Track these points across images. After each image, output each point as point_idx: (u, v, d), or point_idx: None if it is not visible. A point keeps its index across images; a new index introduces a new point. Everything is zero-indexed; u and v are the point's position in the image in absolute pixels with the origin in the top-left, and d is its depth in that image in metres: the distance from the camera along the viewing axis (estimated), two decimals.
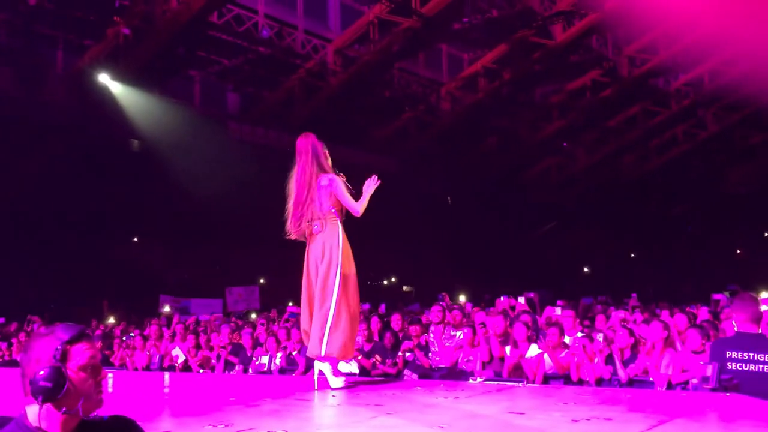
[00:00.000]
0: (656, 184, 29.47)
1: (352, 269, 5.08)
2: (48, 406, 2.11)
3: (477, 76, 22.08)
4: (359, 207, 5.06)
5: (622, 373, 6.15)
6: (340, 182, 5.07)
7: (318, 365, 5.10)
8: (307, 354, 5.19)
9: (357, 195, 5.15)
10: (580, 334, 6.79)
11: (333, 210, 5.06)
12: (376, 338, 7.82)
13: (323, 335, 4.93)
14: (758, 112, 25.16)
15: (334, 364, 5.07)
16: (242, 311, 16.21)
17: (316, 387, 5.26)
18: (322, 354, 4.95)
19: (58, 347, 2.12)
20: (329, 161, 5.19)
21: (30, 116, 16.02)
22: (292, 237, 5.16)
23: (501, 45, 21.03)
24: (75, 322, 2.23)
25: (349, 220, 5.25)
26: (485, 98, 22.19)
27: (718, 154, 28.85)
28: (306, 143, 5.17)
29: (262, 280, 21.87)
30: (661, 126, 26.48)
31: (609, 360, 6.33)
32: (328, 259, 4.99)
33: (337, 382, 5.04)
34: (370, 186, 5.12)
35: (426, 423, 3.56)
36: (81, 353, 2.14)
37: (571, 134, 26.38)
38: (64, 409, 2.11)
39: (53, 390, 2.08)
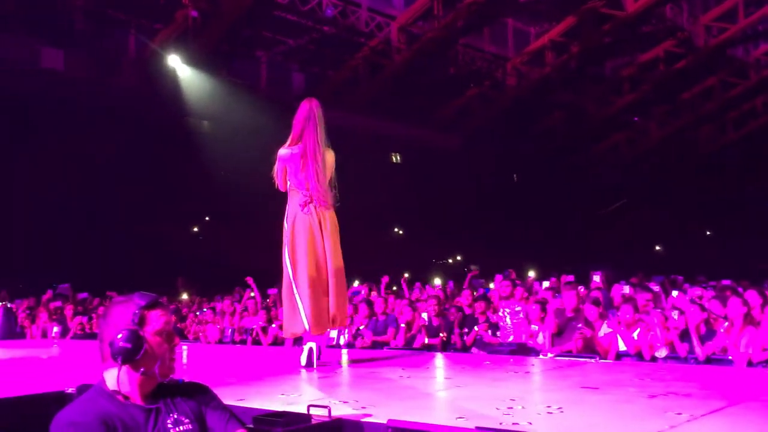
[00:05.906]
0: (733, 159, 28.30)
1: None
2: (127, 368, 2.21)
3: (544, 50, 21.57)
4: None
5: (699, 351, 5.94)
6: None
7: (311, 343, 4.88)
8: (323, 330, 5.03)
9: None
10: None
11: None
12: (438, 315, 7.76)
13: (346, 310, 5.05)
14: None
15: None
16: None
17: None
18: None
19: (136, 312, 2.23)
20: None
21: (104, 100, 16.56)
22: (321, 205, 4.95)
23: (569, 17, 20.49)
24: None
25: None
26: (553, 73, 21.69)
27: None
28: (315, 109, 4.94)
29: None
30: (739, 98, 25.39)
31: (684, 337, 6.13)
32: (337, 234, 4.96)
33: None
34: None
35: (497, 396, 3.52)
36: (157, 318, 2.26)
37: (643, 108, 25.56)
38: (142, 369, 2.21)
39: (132, 351, 2.18)
